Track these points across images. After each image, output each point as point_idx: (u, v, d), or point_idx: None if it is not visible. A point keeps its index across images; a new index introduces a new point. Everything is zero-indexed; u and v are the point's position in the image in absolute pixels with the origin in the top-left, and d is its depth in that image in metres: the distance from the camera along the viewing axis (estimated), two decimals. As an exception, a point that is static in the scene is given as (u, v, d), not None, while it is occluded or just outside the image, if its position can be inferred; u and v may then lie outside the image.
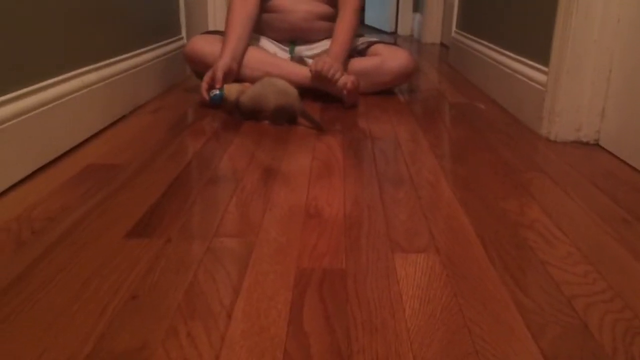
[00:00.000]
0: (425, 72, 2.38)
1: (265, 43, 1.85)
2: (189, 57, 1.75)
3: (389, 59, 1.77)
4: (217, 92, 1.54)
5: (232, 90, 1.52)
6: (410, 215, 0.92)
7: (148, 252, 0.78)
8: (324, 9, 1.83)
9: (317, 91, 1.70)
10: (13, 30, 1.03)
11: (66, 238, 0.82)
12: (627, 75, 1.22)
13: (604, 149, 1.30)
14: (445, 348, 0.59)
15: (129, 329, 0.61)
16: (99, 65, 1.38)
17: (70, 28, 1.25)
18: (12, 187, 1.00)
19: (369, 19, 4.52)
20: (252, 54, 1.71)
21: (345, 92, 1.61)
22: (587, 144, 1.34)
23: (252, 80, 1.56)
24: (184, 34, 2.13)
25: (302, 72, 1.70)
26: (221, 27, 1.85)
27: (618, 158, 1.24)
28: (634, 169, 1.17)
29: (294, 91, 1.44)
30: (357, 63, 1.78)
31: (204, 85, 1.58)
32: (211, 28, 2.15)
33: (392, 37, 3.83)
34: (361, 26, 3.91)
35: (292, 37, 1.85)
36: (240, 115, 1.50)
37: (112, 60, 1.46)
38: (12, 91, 1.02)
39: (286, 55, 1.84)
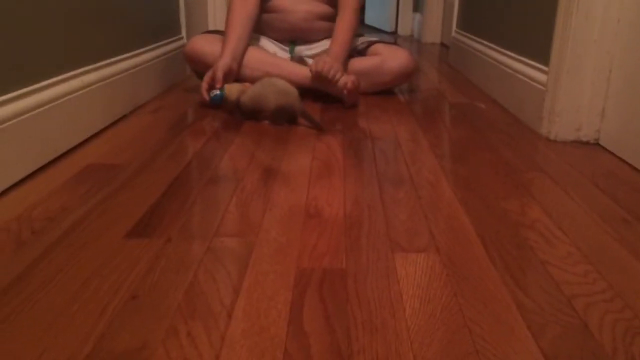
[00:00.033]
0: (426, 72, 2.38)
1: (265, 43, 1.85)
2: (189, 57, 1.75)
3: (389, 59, 1.77)
4: (217, 92, 1.54)
5: (232, 90, 1.52)
6: (411, 215, 0.92)
7: (148, 252, 0.78)
8: (324, 9, 1.83)
9: (317, 91, 1.70)
10: (13, 30, 1.03)
11: (66, 238, 0.82)
12: (627, 75, 1.22)
13: (604, 148, 1.31)
14: (445, 348, 0.59)
15: (129, 328, 0.61)
16: (99, 65, 1.38)
17: (70, 28, 1.25)
18: (12, 187, 1.00)
19: (369, 19, 4.52)
20: (252, 54, 1.71)
21: (345, 92, 1.61)
22: (587, 143, 1.34)
23: (252, 80, 1.56)
24: (184, 33, 2.13)
25: (302, 72, 1.70)
26: (221, 27, 1.85)
27: (618, 158, 1.24)
28: (634, 168, 1.17)
29: (294, 91, 1.44)
30: (357, 63, 1.78)
31: (204, 85, 1.58)
32: (211, 28, 2.15)
33: (392, 37, 3.82)
34: (361, 26, 3.91)
35: (292, 37, 1.85)
36: (241, 115, 1.50)
37: (112, 60, 1.46)
38: (12, 91, 1.02)
39: (286, 55, 1.84)
